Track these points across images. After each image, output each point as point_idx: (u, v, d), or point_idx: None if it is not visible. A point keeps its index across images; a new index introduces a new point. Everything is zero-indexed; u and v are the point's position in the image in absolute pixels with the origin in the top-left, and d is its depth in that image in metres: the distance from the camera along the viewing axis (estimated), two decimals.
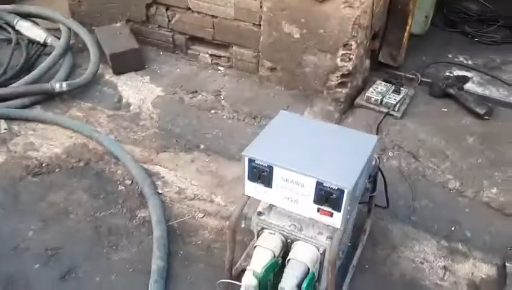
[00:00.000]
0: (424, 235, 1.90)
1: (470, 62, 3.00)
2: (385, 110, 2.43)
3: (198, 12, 2.68)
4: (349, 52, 2.31)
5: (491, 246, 1.86)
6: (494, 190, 2.05)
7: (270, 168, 1.39)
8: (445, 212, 1.99)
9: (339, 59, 2.35)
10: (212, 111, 2.55)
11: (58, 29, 2.89)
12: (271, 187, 1.43)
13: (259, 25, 2.51)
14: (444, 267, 1.79)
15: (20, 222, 1.89)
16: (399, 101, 2.44)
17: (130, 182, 2.13)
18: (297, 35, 2.40)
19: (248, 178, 1.46)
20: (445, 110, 2.54)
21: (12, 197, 2.01)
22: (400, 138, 2.32)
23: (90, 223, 1.92)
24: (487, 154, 2.24)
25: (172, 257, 1.77)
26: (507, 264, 1.76)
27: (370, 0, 2.19)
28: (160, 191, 2.08)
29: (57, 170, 2.18)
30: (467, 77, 2.74)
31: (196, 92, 2.66)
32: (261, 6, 2.44)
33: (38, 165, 2.19)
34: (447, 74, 2.80)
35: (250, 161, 1.42)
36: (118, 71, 2.73)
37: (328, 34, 2.31)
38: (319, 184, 1.33)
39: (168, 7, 2.76)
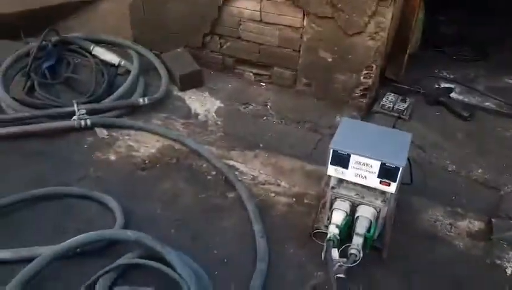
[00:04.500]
0: (434, 203, 2.65)
1: (451, 76, 3.85)
2: (396, 114, 3.23)
3: (247, 41, 3.40)
4: (370, 72, 3.10)
5: (480, 208, 2.64)
6: (480, 171, 2.88)
7: (348, 155, 2.12)
8: (447, 187, 2.78)
9: (362, 77, 3.14)
10: (264, 118, 3.27)
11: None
12: (347, 168, 2.16)
13: (299, 50, 3.27)
14: (450, 224, 2.55)
15: (147, 204, 2.54)
16: (406, 108, 3.25)
17: (214, 173, 2.81)
18: (330, 59, 3.17)
19: (331, 163, 2.18)
20: (438, 114, 3.37)
21: (132, 186, 2.66)
22: None
23: (197, 202, 2.59)
24: (472, 146, 3.08)
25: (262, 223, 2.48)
26: (492, 219, 2.57)
27: (386, 35, 2.98)
28: (239, 179, 2.78)
29: (157, 165, 2.83)
30: (451, 88, 3.58)
31: (248, 103, 3.39)
32: (301, 37, 3.19)
33: (142, 162, 2.84)
34: (436, 86, 3.64)
35: (334, 151, 2.14)
36: (184, 88, 3.41)
37: (355, 59, 3.09)
38: (382, 164, 2.07)
39: (221, 36, 3.47)
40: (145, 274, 2.09)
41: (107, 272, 2.01)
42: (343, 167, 2.16)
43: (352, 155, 2.11)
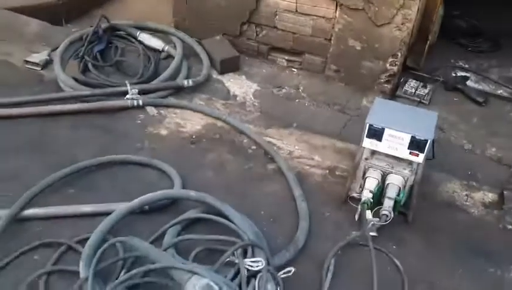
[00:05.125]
0: (452, 177, 2.96)
1: (466, 66, 4.15)
2: (417, 99, 3.55)
3: (282, 30, 3.72)
4: (395, 59, 3.41)
5: (493, 182, 2.96)
6: (494, 149, 3.21)
7: (383, 129, 2.44)
8: (464, 163, 3.11)
9: (388, 64, 3.45)
10: (297, 100, 3.60)
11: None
12: (381, 141, 2.48)
13: (330, 39, 3.58)
14: (466, 195, 2.87)
15: (199, 172, 2.87)
16: (427, 93, 3.57)
17: (255, 147, 3.13)
18: (358, 48, 3.49)
19: (366, 136, 2.50)
20: (456, 99, 3.70)
21: (184, 157, 2.99)
22: None
23: (241, 172, 2.92)
24: (486, 128, 3.41)
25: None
26: (504, 192, 2.89)
27: (411, 26, 3.28)
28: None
29: (203, 140, 3.16)
30: (467, 76, 3.89)
31: (281, 86, 3.71)
32: (333, 27, 3.50)
33: (190, 137, 3.17)
34: (453, 74, 3.95)
35: (370, 125, 2.46)
36: (223, 72, 3.73)
37: (382, 47, 3.40)
38: (413, 137, 2.39)
39: (257, 25, 3.78)
40: (206, 227, 2.43)
41: (174, 224, 2.35)
42: (377, 140, 2.48)
43: (386, 129, 2.43)
